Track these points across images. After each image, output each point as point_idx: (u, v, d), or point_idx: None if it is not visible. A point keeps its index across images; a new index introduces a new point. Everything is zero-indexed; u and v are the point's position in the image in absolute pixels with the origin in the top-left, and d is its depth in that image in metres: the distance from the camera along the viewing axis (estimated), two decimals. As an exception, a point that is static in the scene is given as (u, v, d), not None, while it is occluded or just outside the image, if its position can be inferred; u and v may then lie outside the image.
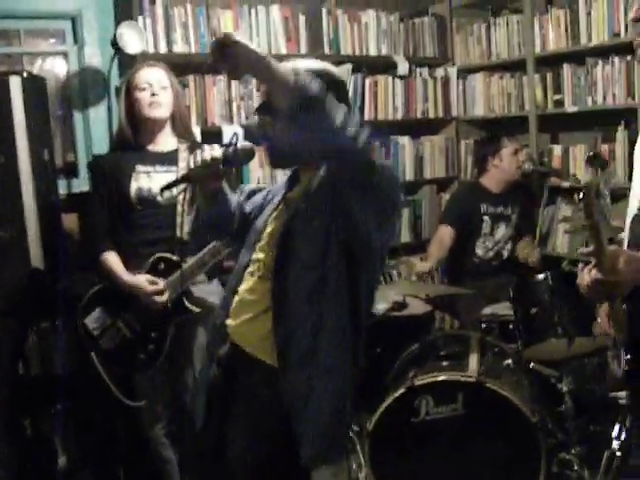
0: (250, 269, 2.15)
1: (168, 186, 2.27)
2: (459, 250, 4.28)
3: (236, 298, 2.17)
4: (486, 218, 4.22)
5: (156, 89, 3.02)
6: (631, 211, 2.01)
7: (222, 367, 2.19)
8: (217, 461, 2.19)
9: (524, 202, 4.36)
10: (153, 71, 3.06)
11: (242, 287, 2.16)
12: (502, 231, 4.25)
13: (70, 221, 3.60)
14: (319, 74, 1.97)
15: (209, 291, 3.10)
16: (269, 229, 2.15)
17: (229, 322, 2.16)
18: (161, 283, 2.94)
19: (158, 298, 2.93)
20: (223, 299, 2.26)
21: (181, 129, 3.14)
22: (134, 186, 2.99)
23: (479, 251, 4.23)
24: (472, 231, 4.24)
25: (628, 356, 2.07)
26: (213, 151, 2.16)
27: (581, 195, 1.78)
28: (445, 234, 4.24)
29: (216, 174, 2.21)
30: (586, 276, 1.89)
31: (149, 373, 3.04)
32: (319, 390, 1.99)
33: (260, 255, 2.13)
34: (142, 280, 2.94)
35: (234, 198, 2.33)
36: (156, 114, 3.04)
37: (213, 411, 2.19)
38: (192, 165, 2.17)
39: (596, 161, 2.11)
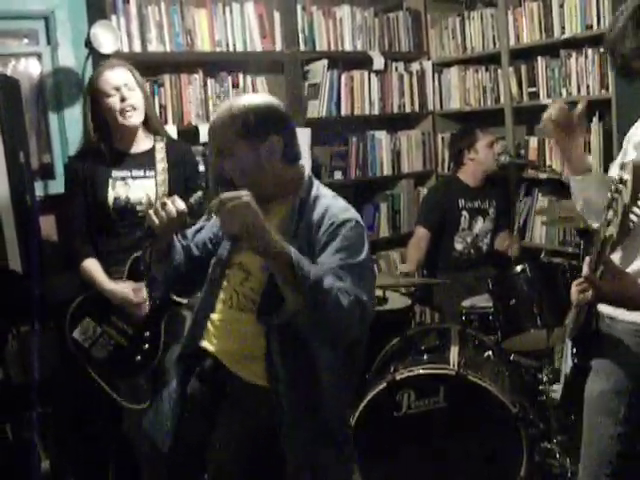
0: (223, 298, 2.18)
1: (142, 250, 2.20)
2: (438, 245, 4.29)
3: (212, 325, 2.19)
4: (464, 213, 4.24)
5: (125, 93, 2.95)
6: None
7: (206, 381, 2.22)
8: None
9: (501, 195, 4.39)
10: (117, 73, 2.98)
11: (216, 316, 2.19)
12: (480, 225, 4.27)
13: (48, 223, 3.57)
14: (265, 111, 2.05)
15: None
16: (239, 260, 2.16)
17: (207, 345, 2.19)
18: (143, 291, 2.92)
19: (141, 309, 2.91)
20: (194, 324, 2.26)
21: (155, 127, 3.10)
22: (111, 195, 2.95)
23: (458, 246, 4.25)
24: (450, 227, 4.25)
25: (574, 350, 2.11)
26: (177, 203, 2.03)
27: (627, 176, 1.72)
28: (421, 236, 4.26)
29: (180, 227, 2.14)
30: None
31: (146, 374, 3.02)
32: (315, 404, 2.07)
33: (236, 285, 2.15)
34: (126, 290, 2.91)
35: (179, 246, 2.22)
36: (132, 121, 2.99)
37: (194, 423, 2.21)
38: (156, 220, 2.02)
39: None
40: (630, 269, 2.00)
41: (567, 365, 2.18)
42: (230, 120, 2.03)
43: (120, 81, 2.97)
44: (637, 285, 1.88)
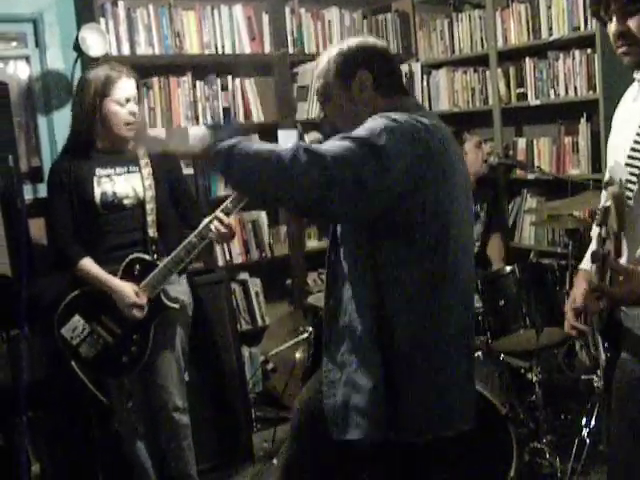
0: None
1: None
2: None
3: None
4: None
5: (133, 107, 2.97)
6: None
7: None
8: None
9: (491, 198, 4.38)
10: (131, 84, 2.99)
11: None
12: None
13: (37, 226, 3.56)
14: (353, 50, 2.08)
15: (181, 290, 3.10)
16: None
17: None
18: (144, 298, 2.92)
19: (137, 312, 2.91)
20: None
21: (138, 132, 3.11)
22: (98, 191, 2.94)
23: None
24: None
25: (606, 344, 2.11)
26: None
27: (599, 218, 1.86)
28: None
29: None
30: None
31: (131, 375, 3.03)
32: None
33: None
34: (129, 289, 2.90)
35: None
36: (130, 135, 2.99)
37: None
38: None
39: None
40: (638, 254, 2.00)
41: (601, 357, 2.18)
42: (325, 65, 2.11)
43: (132, 93, 2.99)
44: None
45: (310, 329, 3.52)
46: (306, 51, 4.49)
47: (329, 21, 4.58)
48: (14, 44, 3.85)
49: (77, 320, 2.97)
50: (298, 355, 3.87)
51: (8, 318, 3.10)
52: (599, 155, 3.97)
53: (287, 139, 4.22)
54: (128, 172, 3.00)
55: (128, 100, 2.97)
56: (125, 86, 2.97)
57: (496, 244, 4.35)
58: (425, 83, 5.01)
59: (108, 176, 2.98)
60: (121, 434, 3.17)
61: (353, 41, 2.13)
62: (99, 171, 2.98)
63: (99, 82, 2.97)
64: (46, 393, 3.32)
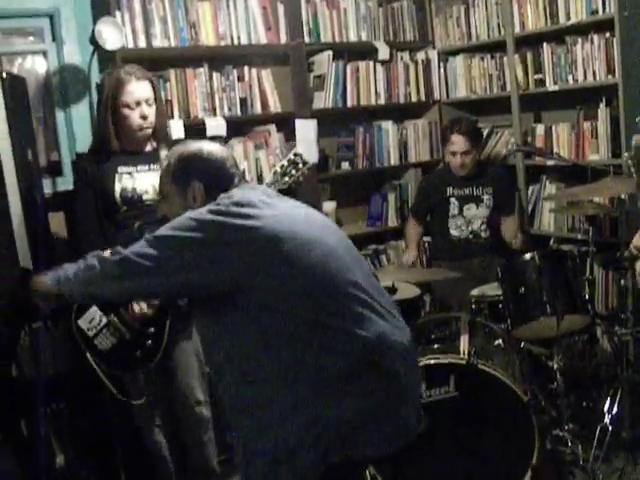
0: None
1: None
2: (436, 232, 4.46)
3: None
4: (452, 200, 4.33)
5: (145, 109, 2.99)
6: None
7: None
8: None
9: (500, 181, 4.36)
10: (142, 87, 3.00)
11: None
12: (473, 212, 4.29)
13: (57, 220, 3.59)
14: (188, 157, 2.23)
15: None
16: None
17: None
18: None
19: (139, 310, 2.90)
20: None
21: (161, 136, 3.13)
22: (118, 187, 2.99)
23: (453, 232, 4.33)
24: (439, 213, 4.40)
25: None
26: None
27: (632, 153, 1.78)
28: (410, 225, 4.59)
29: None
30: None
31: (145, 370, 3.03)
32: None
33: None
34: None
35: None
36: (146, 134, 3.04)
37: None
38: None
39: None
40: None
41: None
42: (165, 166, 2.27)
43: (143, 95, 3.00)
44: None
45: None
46: (322, 40, 4.48)
47: (344, 9, 4.55)
48: (31, 39, 3.87)
49: (94, 311, 2.98)
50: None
51: (30, 311, 3.13)
52: (619, 140, 3.93)
53: (305, 129, 4.22)
54: (149, 170, 3.04)
55: (139, 103, 2.99)
56: (134, 89, 2.99)
57: (511, 227, 4.32)
58: (442, 70, 4.98)
59: (129, 173, 3.04)
60: (140, 425, 3.19)
61: (189, 149, 2.26)
62: (121, 168, 3.03)
63: (111, 86, 3.01)
64: (70, 385, 3.35)
